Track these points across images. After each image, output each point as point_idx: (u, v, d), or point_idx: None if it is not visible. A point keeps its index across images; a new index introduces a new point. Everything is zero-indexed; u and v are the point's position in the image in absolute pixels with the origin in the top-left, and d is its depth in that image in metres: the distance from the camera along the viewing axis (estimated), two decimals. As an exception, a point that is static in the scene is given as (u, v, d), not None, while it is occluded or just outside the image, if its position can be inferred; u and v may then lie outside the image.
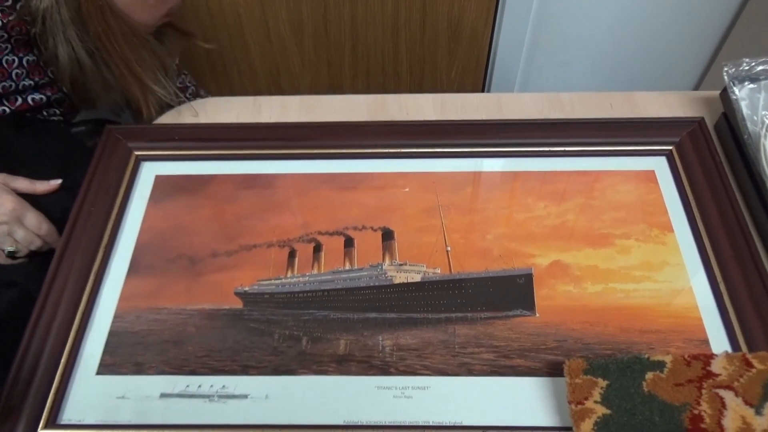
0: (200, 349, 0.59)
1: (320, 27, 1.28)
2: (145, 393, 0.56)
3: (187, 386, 0.57)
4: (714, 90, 0.77)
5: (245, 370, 0.58)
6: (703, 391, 0.51)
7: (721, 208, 0.65)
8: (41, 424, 0.54)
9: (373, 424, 0.54)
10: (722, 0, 1.26)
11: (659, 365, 0.52)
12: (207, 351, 0.59)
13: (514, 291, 0.62)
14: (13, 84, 0.74)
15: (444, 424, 0.54)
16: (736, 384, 0.51)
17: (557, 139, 0.72)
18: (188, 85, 1.00)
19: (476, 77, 1.42)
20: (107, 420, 0.55)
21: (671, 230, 0.66)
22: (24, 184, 0.70)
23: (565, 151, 0.72)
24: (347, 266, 0.66)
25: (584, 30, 1.33)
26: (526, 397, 0.55)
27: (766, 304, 0.58)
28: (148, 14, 0.74)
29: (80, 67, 0.73)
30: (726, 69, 0.70)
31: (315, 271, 0.66)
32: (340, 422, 0.54)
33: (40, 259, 0.69)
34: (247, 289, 0.65)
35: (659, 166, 0.71)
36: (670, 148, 0.71)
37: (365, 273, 0.66)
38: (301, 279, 0.66)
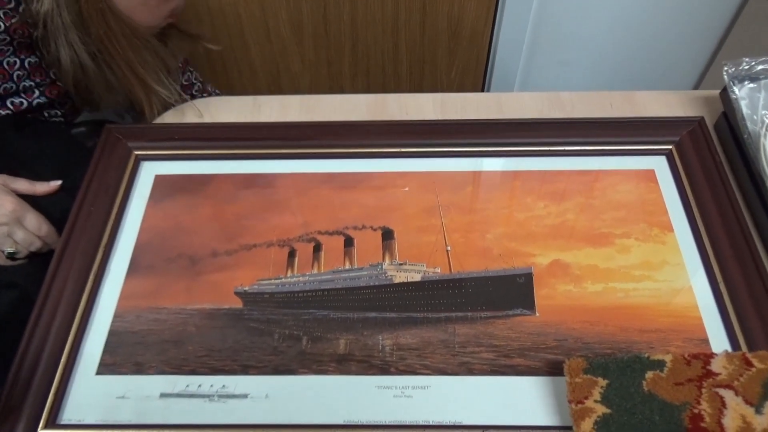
0: (200, 348, 0.59)
1: (320, 27, 1.28)
2: (145, 393, 0.56)
3: (187, 386, 0.57)
4: (714, 89, 0.77)
5: (245, 369, 0.58)
6: (703, 391, 0.51)
7: (721, 208, 0.65)
8: (41, 424, 0.54)
9: (373, 423, 0.54)
10: (722, 0, 1.26)
11: (659, 364, 0.52)
12: (207, 351, 0.59)
13: (514, 290, 0.62)
14: (14, 85, 0.74)
15: (444, 424, 0.54)
16: (736, 383, 0.51)
17: (557, 138, 0.72)
18: (194, 81, 0.99)
19: (476, 77, 1.42)
20: (107, 420, 0.55)
21: (671, 230, 0.66)
22: (24, 185, 0.70)
23: (565, 150, 0.72)
24: (347, 266, 0.66)
25: (584, 30, 1.32)
26: (526, 396, 0.55)
27: (766, 303, 0.58)
28: (150, 15, 0.74)
29: (83, 70, 0.73)
30: (726, 68, 0.70)
31: (315, 271, 0.66)
32: (340, 422, 0.54)
33: (39, 260, 0.69)
34: (247, 288, 0.65)
35: (659, 165, 0.71)
36: (670, 147, 0.71)
37: (365, 272, 0.66)
38: (301, 279, 0.66)
